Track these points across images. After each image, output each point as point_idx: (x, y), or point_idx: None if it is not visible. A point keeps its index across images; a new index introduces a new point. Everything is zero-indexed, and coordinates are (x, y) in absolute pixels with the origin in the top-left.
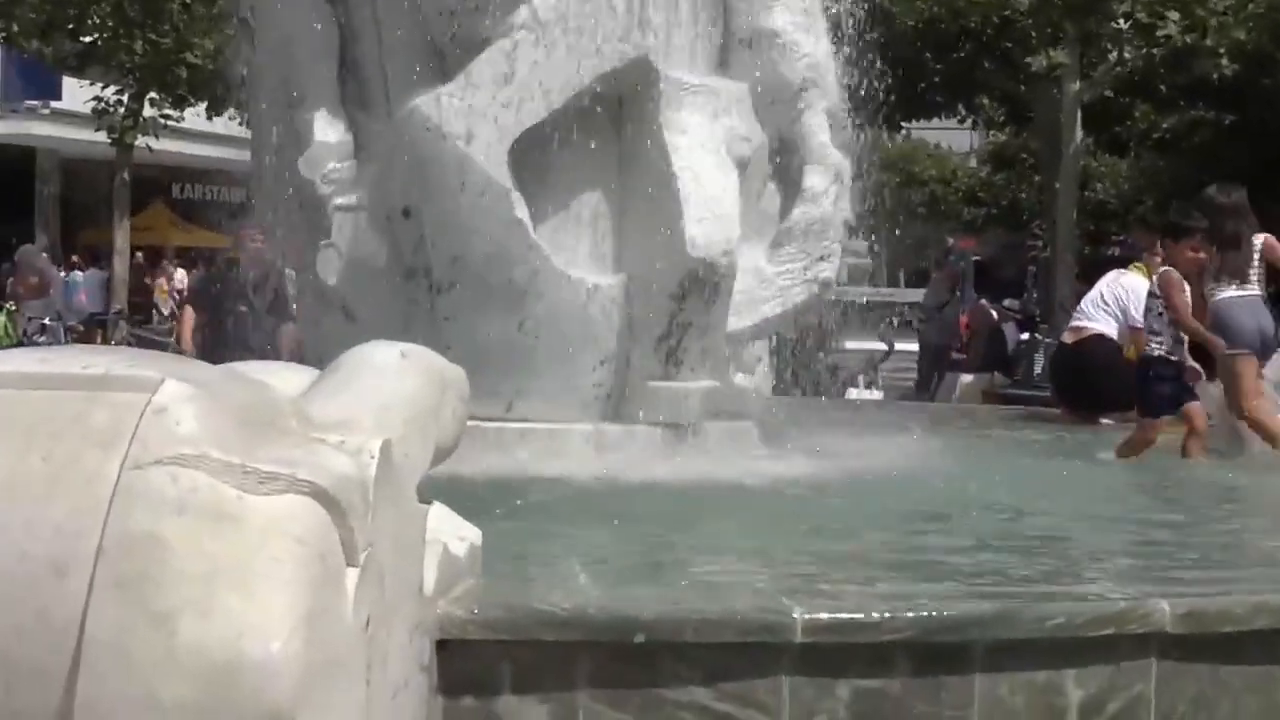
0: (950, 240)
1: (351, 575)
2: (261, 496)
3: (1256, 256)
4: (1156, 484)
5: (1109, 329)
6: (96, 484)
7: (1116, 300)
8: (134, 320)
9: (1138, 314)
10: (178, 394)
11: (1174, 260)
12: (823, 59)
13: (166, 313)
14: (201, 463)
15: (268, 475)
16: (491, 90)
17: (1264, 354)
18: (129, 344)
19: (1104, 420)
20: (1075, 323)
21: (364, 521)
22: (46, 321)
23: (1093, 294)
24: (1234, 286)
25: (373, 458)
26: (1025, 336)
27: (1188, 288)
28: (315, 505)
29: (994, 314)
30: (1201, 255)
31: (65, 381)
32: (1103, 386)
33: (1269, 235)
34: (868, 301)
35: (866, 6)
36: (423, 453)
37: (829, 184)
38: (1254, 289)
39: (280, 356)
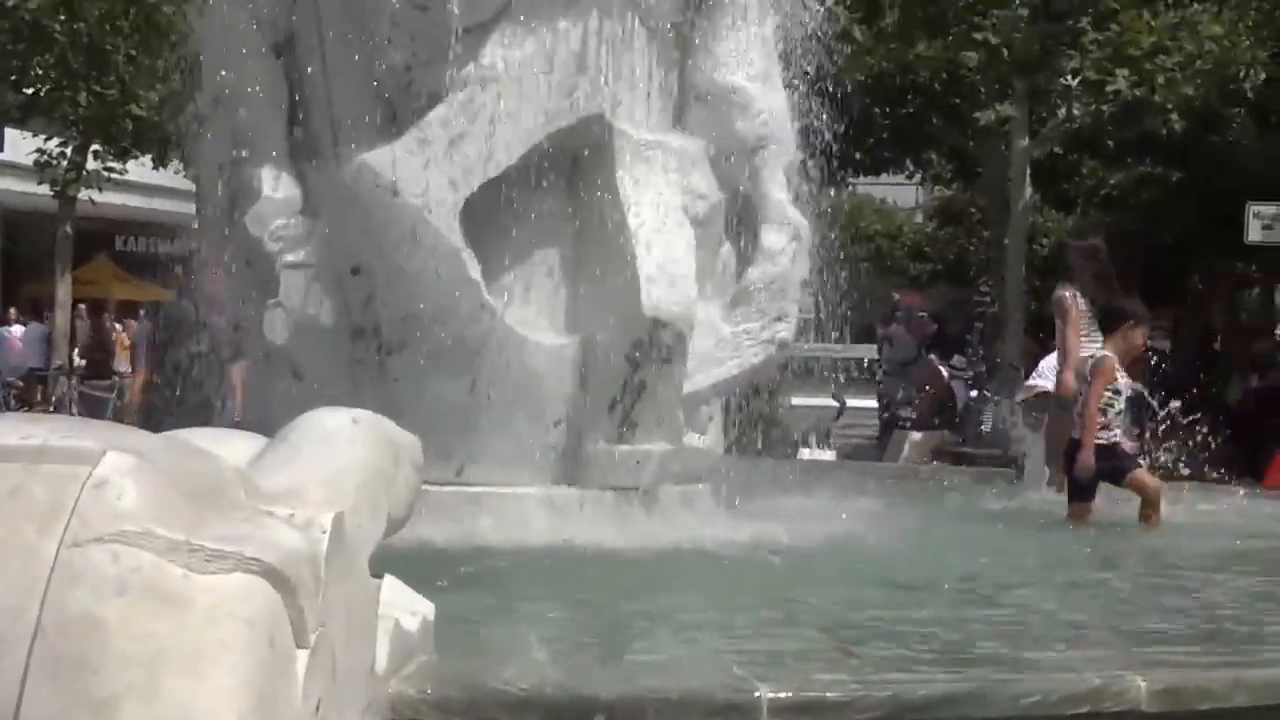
0: (896, 296)
1: (302, 657)
2: (209, 575)
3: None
4: (1119, 551)
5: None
6: (34, 562)
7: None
8: (80, 375)
9: None
10: (119, 466)
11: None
12: (780, 115)
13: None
14: (145, 540)
15: (214, 553)
16: (444, 146)
17: None
18: (72, 400)
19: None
20: (1029, 380)
21: (315, 600)
22: None
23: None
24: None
25: (324, 532)
26: (974, 394)
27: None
28: (265, 584)
29: (944, 372)
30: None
31: (1, 454)
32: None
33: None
34: (815, 357)
35: (817, 62)
36: (375, 524)
37: (787, 242)
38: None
39: (231, 397)
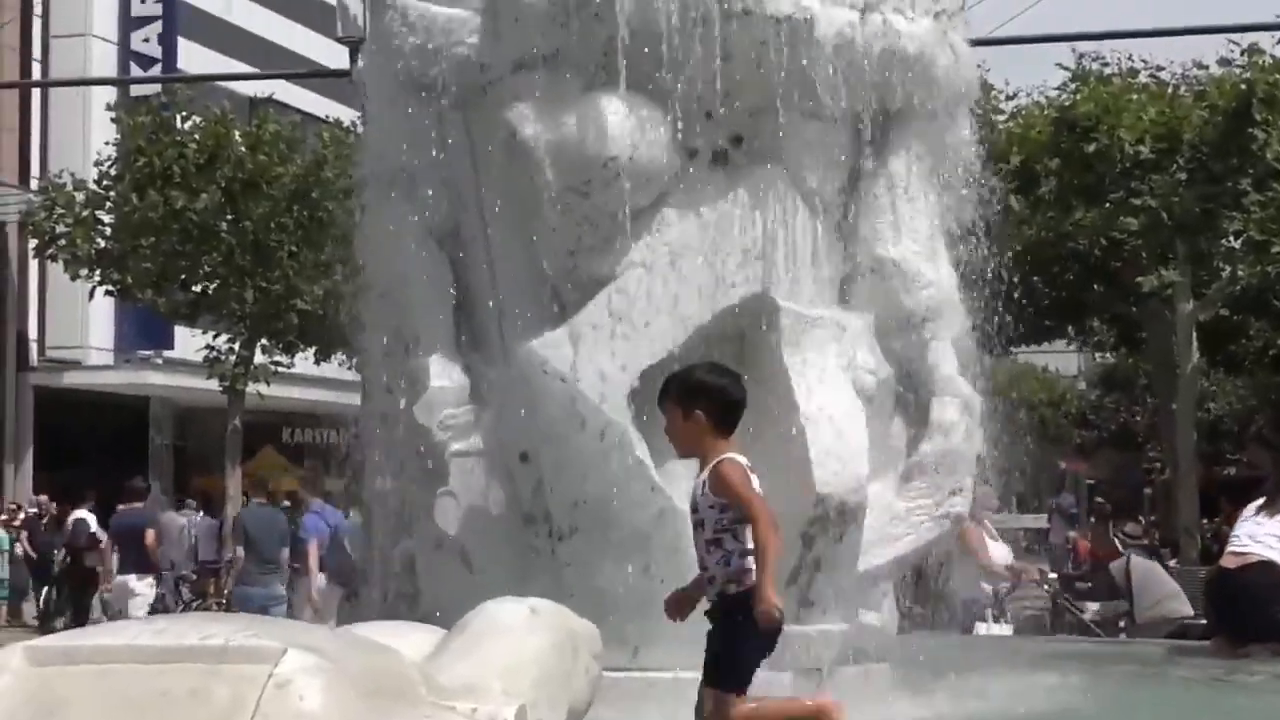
0: (1062, 464)
1: None
2: None
3: None
4: None
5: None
6: None
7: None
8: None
9: None
10: (301, 665)
11: None
12: (947, 288)
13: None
14: None
15: None
16: (610, 329)
17: None
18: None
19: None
20: (1236, 548)
21: None
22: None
23: (1248, 525)
24: None
25: None
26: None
27: None
28: None
29: (1118, 542)
30: None
31: (182, 654)
32: (1265, 615)
33: None
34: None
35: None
36: (555, 716)
37: (958, 416)
38: None
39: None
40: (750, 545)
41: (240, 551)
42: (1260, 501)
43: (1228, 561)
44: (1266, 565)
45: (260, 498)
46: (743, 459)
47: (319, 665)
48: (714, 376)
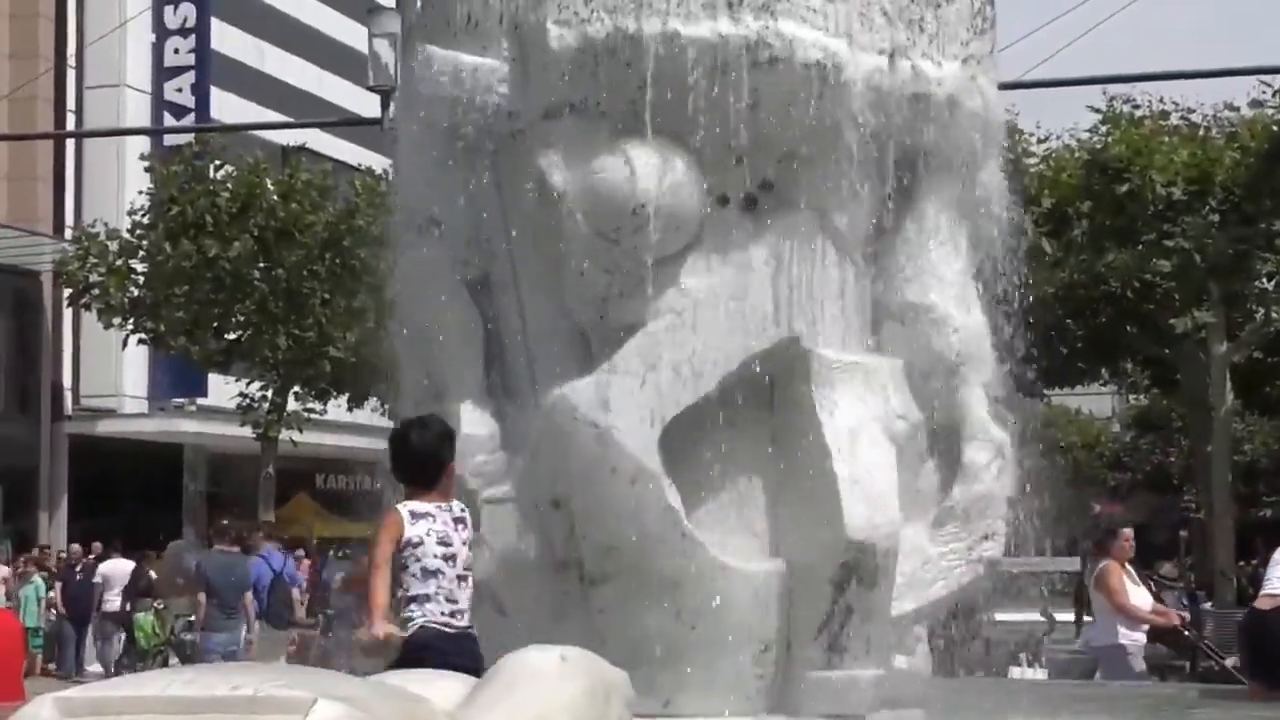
0: (1096, 507)
1: None
2: None
3: None
4: None
5: None
6: None
7: None
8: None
9: None
10: (331, 716)
11: None
12: (977, 331)
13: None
14: None
15: None
16: (640, 375)
17: None
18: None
19: None
20: (1270, 590)
21: None
22: (193, 619)
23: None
24: None
25: None
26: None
27: None
28: None
29: (1153, 583)
30: None
31: (212, 705)
32: None
33: None
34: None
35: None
36: None
37: (990, 459)
38: None
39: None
40: None
41: (202, 598)
42: None
43: (1261, 604)
44: None
45: (224, 545)
46: None
47: (349, 715)
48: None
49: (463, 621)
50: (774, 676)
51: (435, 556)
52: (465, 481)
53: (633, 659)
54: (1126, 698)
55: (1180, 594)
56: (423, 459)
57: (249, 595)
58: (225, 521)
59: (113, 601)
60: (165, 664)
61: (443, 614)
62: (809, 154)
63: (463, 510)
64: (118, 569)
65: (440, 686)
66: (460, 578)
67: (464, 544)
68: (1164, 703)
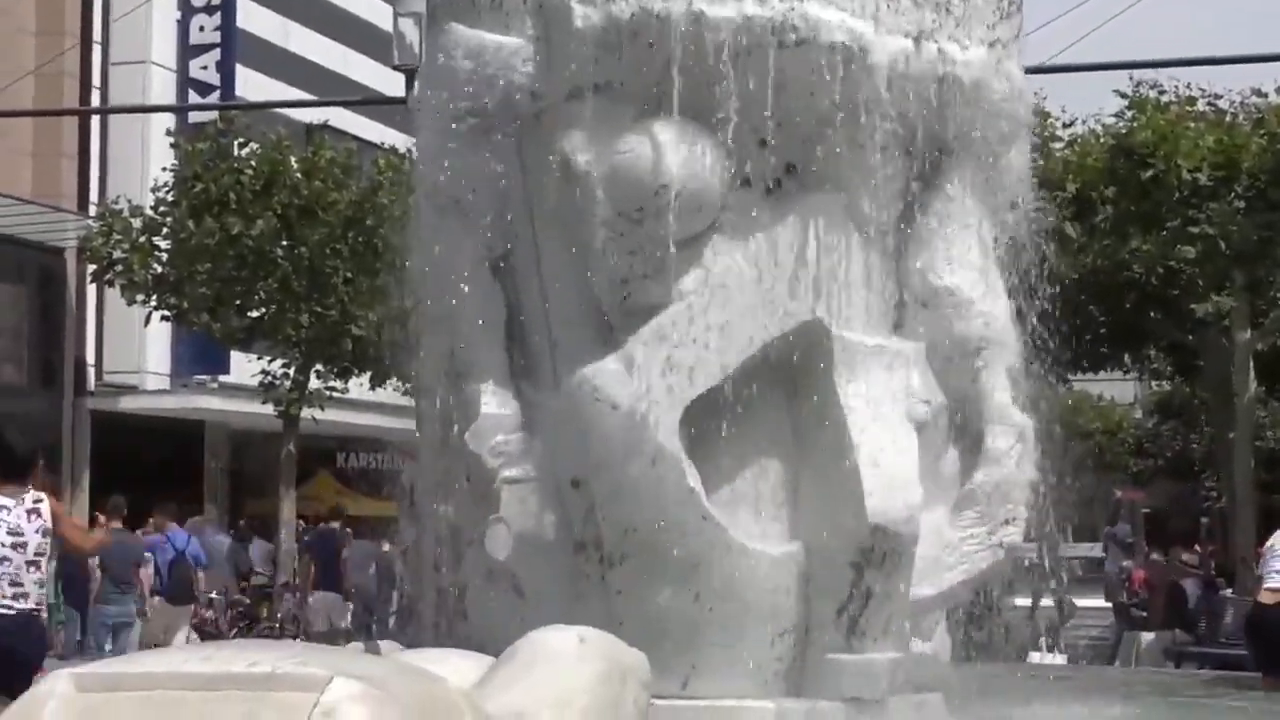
0: (1118, 493)
1: None
2: None
3: None
4: None
5: None
6: None
7: None
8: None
9: None
10: (347, 693)
11: None
12: (1001, 316)
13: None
14: None
15: None
16: (662, 357)
17: None
18: (294, 616)
19: None
20: (1272, 584)
21: None
22: (213, 596)
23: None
24: None
25: None
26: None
27: None
28: None
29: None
30: None
31: (229, 681)
32: None
33: None
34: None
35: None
36: None
37: (1012, 444)
38: None
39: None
40: None
41: (98, 574)
42: None
43: (1264, 598)
44: None
45: (116, 523)
46: None
47: (365, 693)
48: None
49: (26, 604)
50: (792, 659)
51: (3, 545)
52: (484, 461)
53: (650, 640)
54: (1143, 683)
55: (1197, 581)
56: (12, 456)
57: (147, 571)
58: (117, 498)
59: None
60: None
61: (4, 597)
62: (834, 136)
63: (38, 501)
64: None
65: (457, 665)
66: (30, 563)
67: (37, 532)
68: (1179, 689)
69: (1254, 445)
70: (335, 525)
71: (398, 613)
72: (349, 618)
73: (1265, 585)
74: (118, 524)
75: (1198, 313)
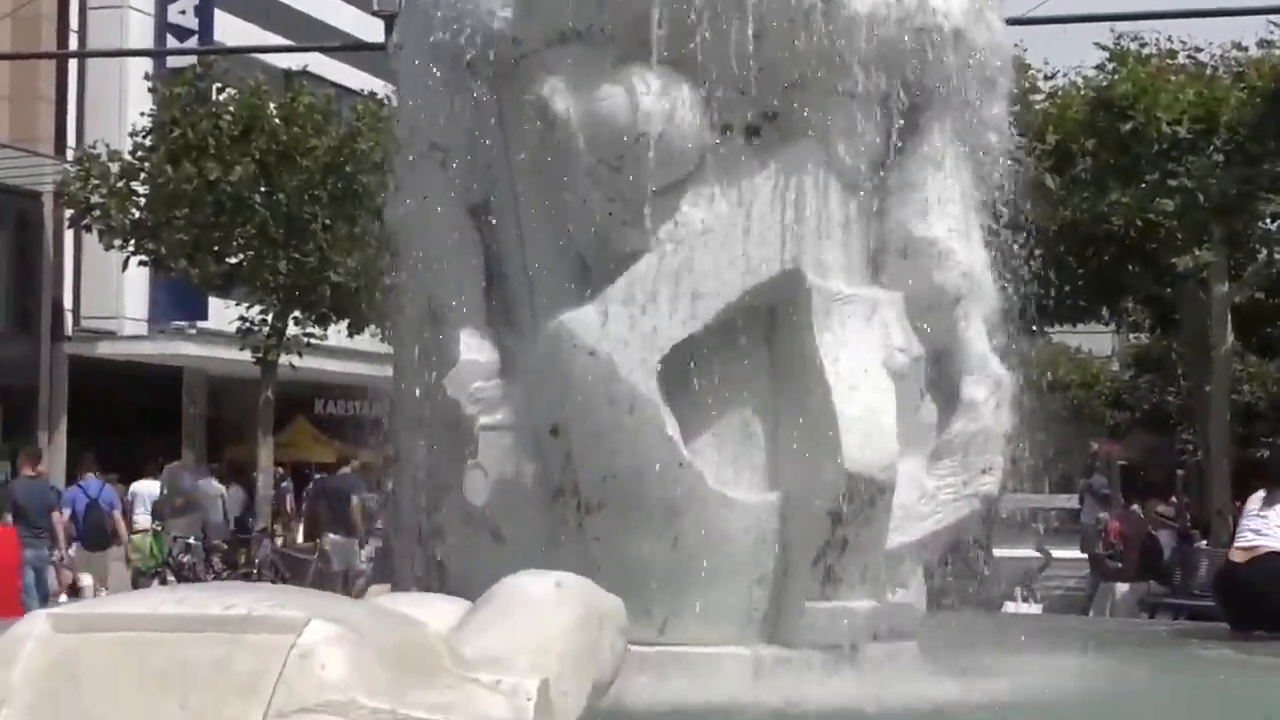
0: (1094, 445)
1: None
2: None
3: None
4: None
5: None
6: None
7: None
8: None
9: None
10: (324, 635)
11: None
12: (979, 267)
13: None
14: (349, 710)
15: None
16: (640, 304)
17: None
18: (272, 563)
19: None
20: (1243, 543)
21: None
22: (191, 541)
23: (1253, 520)
24: None
25: (530, 699)
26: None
27: None
28: None
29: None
30: None
31: (205, 623)
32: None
33: None
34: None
35: (1011, 212)
36: (580, 689)
37: (989, 394)
38: None
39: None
40: None
41: (9, 519)
42: (1262, 495)
43: (1236, 556)
44: (1276, 555)
45: (29, 470)
46: None
47: (342, 635)
48: None
49: None
50: (769, 607)
51: None
52: (462, 407)
53: (628, 587)
54: (1117, 633)
55: (1172, 533)
56: None
57: (62, 517)
58: (32, 448)
59: (143, 519)
60: (164, 584)
61: None
62: (814, 85)
63: None
64: (144, 487)
65: (435, 609)
66: None
67: None
68: (1152, 639)
69: (1230, 399)
70: (346, 470)
71: (374, 558)
72: (361, 560)
73: (1237, 544)
74: (30, 473)
75: (1176, 266)
